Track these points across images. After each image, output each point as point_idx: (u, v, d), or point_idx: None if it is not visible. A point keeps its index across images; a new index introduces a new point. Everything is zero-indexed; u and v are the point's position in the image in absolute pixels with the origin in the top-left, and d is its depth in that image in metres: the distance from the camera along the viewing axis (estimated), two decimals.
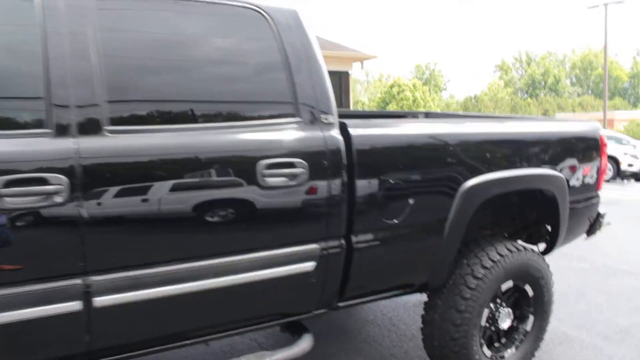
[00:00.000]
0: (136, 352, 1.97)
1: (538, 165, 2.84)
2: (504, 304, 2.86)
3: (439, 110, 43.94)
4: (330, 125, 2.24)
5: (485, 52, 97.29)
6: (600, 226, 3.39)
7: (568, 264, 5.31)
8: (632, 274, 5.01)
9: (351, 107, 15.21)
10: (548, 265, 2.98)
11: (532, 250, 2.89)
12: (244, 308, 2.16)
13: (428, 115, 4.52)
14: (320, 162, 2.17)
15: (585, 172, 3.14)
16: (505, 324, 2.87)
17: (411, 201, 2.39)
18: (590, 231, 3.41)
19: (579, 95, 57.39)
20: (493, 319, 2.83)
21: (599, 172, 3.24)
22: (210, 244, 2.00)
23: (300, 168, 2.11)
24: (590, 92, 57.27)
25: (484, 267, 2.70)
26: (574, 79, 61.32)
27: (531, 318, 2.97)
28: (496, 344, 2.92)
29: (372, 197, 2.30)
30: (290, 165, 2.10)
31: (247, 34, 2.20)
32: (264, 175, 2.05)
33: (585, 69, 59.38)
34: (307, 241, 2.17)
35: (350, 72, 14.75)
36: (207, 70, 2.11)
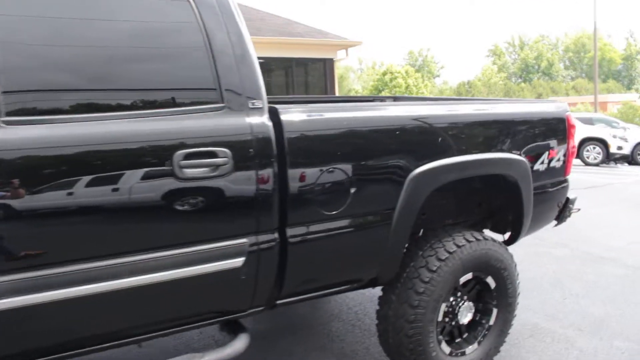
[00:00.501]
0: (50, 357, 1.80)
1: (498, 149, 2.66)
2: (463, 298, 2.70)
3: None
4: (258, 110, 2.05)
5: (479, 37, 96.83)
6: (570, 212, 3.22)
7: (547, 251, 5.17)
8: (612, 261, 4.85)
9: (337, 95, 15.00)
10: (511, 255, 2.81)
11: (493, 240, 2.72)
12: (169, 307, 1.98)
13: (396, 99, 4.33)
14: (246, 150, 1.98)
15: (551, 156, 2.95)
16: (465, 318, 2.71)
17: (352, 190, 2.21)
18: (559, 218, 3.24)
19: (572, 78, 57.13)
20: (452, 314, 2.66)
21: (567, 155, 3.06)
22: (123, 241, 1.82)
23: (223, 158, 1.93)
24: (584, 75, 56.99)
25: (439, 259, 2.52)
26: (567, 63, 61.05)
27: (494, 311, 2.81)
28: (457, 340, 2.75)
29: (307, 187, 2.11)
30: (212, 154, 1.91)
31: (164, 14, 1.99)
32: (182, 167, 1.86)
33: (579, 51, 59.08)
34: (233, 236, 1.99)
35: (335, 59, 14.49)
36: (116, 54, 1.91)
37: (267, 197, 2.03)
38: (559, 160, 3.01)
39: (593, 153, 14.17)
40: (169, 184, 1.86)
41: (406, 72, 44.78)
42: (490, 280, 2.74)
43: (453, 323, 2.68)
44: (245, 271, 2.02)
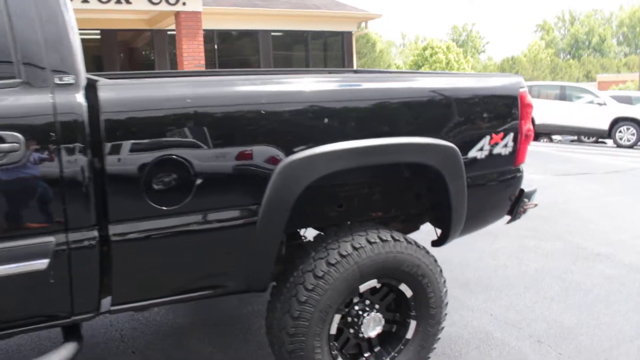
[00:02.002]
0: None
1: (409, 133, 2.19)
2: (369, 308, 2.28)
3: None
4: (68, 87, 1.68)
5: (527, 12, 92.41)
6: (524, 208, 2.72)
7: (536, 245, 4.62)
8: (607, 259, 4.27)
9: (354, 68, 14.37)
10: (434, 260, 2.35)
11: (408, 242, 2.27)
12: None
13: (357, 72, 3.85)
14: (45, 134, 1.62)
15: (494, 141, 2.45)
16: (372, 331, 2.29)
17: (197, 182, 1.82)
18: (512, 214, 2.74)
19: (625, 55, 53.76)
20: (353, 326, 2.25)
21: (519, 140, 2.54)
22: None
23: (12, 143, 1.58)
24: (639, 51, 53.53)
25: (329, 264, 2.11)
26: (621, 38, 57.42)
27: (412, 323, 2.37)
28: (366, 354, 2.35)
29: (133, 178, 1.74)
30: None
31: None
32: None
33: (634, 26, 55.38)
34: (32, 235, 1.64)
35: (353, 32, 13.86)
36: None
37: (76, 189, 1.67)
38: (505, 146, 2.50)
39: (627, 134, 13.07)
40: None
41: (447, 47, 43.27)
42: (405, 289, 2.31)
43: (355, 336, 2.27)
44: (53, 274, 1.67)
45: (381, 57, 57.10)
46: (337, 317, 2.18)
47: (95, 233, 1.72)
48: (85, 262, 1.72)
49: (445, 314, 2.45)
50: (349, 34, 13.65)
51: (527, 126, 2.58)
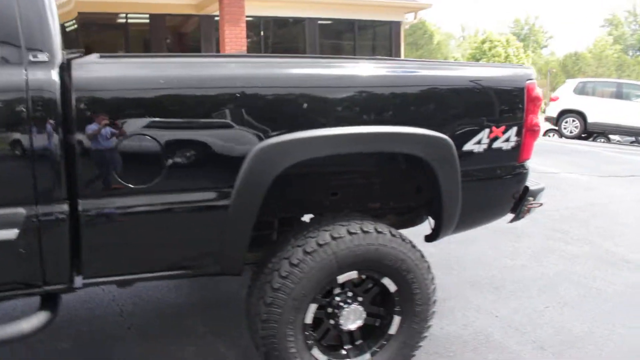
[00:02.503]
0: None
1: (403, 122, 2.11)
2: (350, 300, 2.23)
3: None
4: (41, 65, 1.72)
5: (594, 5, 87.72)
6: (528, 207, 2.58)
7: (561, 247, 4.40)
8: (636, 267, 4.01)
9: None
10: (420, 256, 2.27)
11: (393, 235, 2.19)
12: None
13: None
14: (16, 110, 1.68)
15: (494, 135, 2.33)
16: (352, 324, 2.24)
17: (168, 163, 1.82)
18: (516, 212, 2.60)
19: None
20: (332, 317, 2.22)
21: (524, 135, 2.41)
22: None
23: None
24: None
25: (305, 252, 2.08)
26: None
27: (396, 319, 2.31)
28: (346, 347, 2.31)
29: (103, 156, 1.77)
30: None
31: None
32: None
33: None
34: (2, 205, 1.70)
35: (402, 21, 13.60)
36: None
37: (47, 163, 1.71)
38: (507, 140, 2.38)
39: None
40: None
41: (507, 40, 41.86)
42: (388, 283, 2.24)
43: (335, 328, 2.24)
44: (23, 244, 1.73)
45: (439, 49, 55.85)
46: (313, 307, 2.15)
47: (65, 207, 1.77)
48: (55, 235, 1.77)
49: (433, 312, 2.37)
50: (397, 23, 13.40)
51: (534, 121, 2.44)
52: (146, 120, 1.79)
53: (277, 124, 1.93)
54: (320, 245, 2.08)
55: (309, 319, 2.15)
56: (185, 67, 1.92)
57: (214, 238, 1.96)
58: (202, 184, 1.91)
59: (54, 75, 1.72)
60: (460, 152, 2.25)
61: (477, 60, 41.21)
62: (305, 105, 1.98)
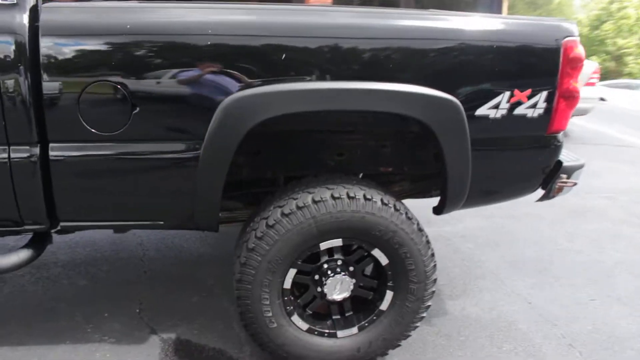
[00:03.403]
0: None
1: (401, 79, 1.88)
2: (338, 269, 2.09)
3: None
4: (9, 7, 1.72)
5: None
6: (559, 186, 2.23)
7: (633, 235, 3.87)
8: None
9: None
10: (417, 230, 2.05)
11: (383, 204, 2.00)
12: None
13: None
14: None
15: (516, 99, 2.01)
16: (338, 294, 2.11)
17: (135, 111, 1.77)
18: (546, 188, 2.27)
19: None
20: (318, 285, 2.10)
21: (556, 101, 2.06)
22: None
23: None
24: None
25: (283, 214, 1.96)
26: None
27: (388, 294, 2.14)
28: (335, 317, 2.19)
29: (69, 101, 1.75)
30: None
31: None
32: None
33: None
34: None
35: None
36: None
37: (14, 107, 1.73)
38: (534, 107, 2.04)
39: None
40: None
41: None
42: (378, 255, 2.07)
43: (320, 297, 2.13)
44: None
45: (559, 9, 51.14)
46: (291, 272, 2.04)
47: (36, 150, 1.79)
48: (27, 176, 1.80)
49: (433, 291, 2.16)
50: None
51: (572, 86, 2.07)
52: (110, 65, 1.74)
53: (249, 75, 1.79)
54: (299, 207, 1.95)
55: (287, 284, 2.05)
56: (150, 12, 1.82)
57: (185, 191, 1.90)
58: (171, 135, 1.84)
59: (23, 18, 1.71)
60: (472, 117, 1.98)
61: (602, 22, 37.21)
62: (283, 56, 1.81)
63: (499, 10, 12.06)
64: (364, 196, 1.98)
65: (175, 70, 1.78)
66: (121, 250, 3.21)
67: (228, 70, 1.79)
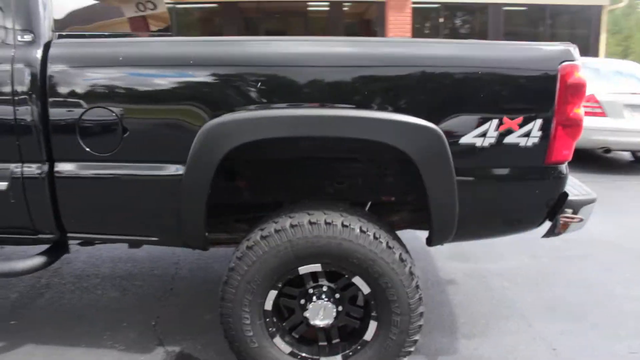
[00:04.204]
0: None
1: (368, 106, 1.90)
2: (322, 295, 2.10)
3: None
4: (27, 44, 2.00)
5: None
6: (564, 221, 2.07)
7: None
8: None
9: (602, 53, 11.95)
10: (400, 259, 2.00)
11: (362, 232, 1.98)
12: None
13: None
14: (5, 82, 1.98)
15: (505, 127, 1.93)
16: (321, 320, 2.11)
17: (126, 134, 1.95)
18: (551, 226, 2.12)
19: None
20: (302, 309, 2.11)
21: (553, 129, 1.94)
22: None
23: None
24: None
25: (262, 236, 2.02)
26: None
27: (372, 325, 2.10)
28: (321, 344, 2.18)
29: (69, 125, 1.98)
30: None
31: None
32: None
33: None
34: None
35: (604, 6, 11.75)
36: None
37: (27, 129, 1.99)
38: (527, 135, 1.95)
39: None
40: None
41: None
42: (360, 283, 2.05)
43: (292, 320, 2.15)
44: (12, 195, 2.04)
45: None
46: (272, 294, 2.08)
47: (45, 167, 2.03)
48: (37, 190, 2.04)
49: (419, 325, 2.09)
50: (598, 8, 11.60)
51: (572, 113, 1.95)
52: (104, 94, 1.95)
53: (226, 103, 1.92)
54: (276, 231, 2.00)
55: (268, 305, 2.09)
56: (139, 45, 2.02)
57: (171, 211, 2.03)
58: (158, 157, 1.99)
59: (37, 53, 1.98)
60: (455, 145, 1.93)
61: None
62: (259, 85, 1.91)
63: (597, 44, 11.29)
64: (342, 223, 1.99)
65: (162, 99, 1.95)
66: (156, 268, 3.43)
67: (205, 100, 1.93)
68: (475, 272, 3.44)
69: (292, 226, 1.99)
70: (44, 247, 2.29)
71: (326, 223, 1.98)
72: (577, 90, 1.94)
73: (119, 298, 3.01)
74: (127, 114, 1.95)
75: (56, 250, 2.29)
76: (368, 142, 1.96)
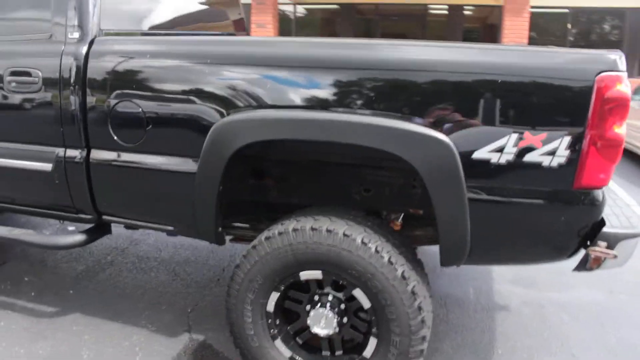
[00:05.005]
0: None
1: (388, 113, 1.82)
2: (319, 301, 2.06)
3: None
4: (75, 41, 2.20)
5: None
6: (596, 256, 1.80)
7: None
8: None
9: None
10: (402, 277, 1.89)
11: (363, 243, 1.89)
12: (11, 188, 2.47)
13: None
14: (53, 74, 2.20)
15: (526, 143, 1.73)
16: (322, 329, 2.06)
17: (149, 127, 2.08)
18: (584, 258, 1.86)
19: None
20: (304, 315, 2.09)
21: (585, 149, 1.71)
22: None
23: (34, 77, 2.23)
24: None
25: (266, 237, 2.02)
26: None
27: (372, 341, 2.02)
28: (324, 353, 2.14)
29: (102, 115, 2.16)
30: (26, 73, 2.24)
31: None
32: (9, 81, 2.28)
33: None
34: (43, 143, 2.28)
35: None
36: None
37: (69, 116, 2.19)
38: (552, 154, 1.73)
39: None
40: (3, 92, 2.31)
41: None
42: (360, 296, 1.98)
43: (295, 325, 2.13)
44: (56, 176, 2.27)
45: None
46: (274, 295, 2.07)
47: (84, 153, 2.23)
48: (77, 173, 2.25)
49: (421, 350, 1.96)
50: None
51: (610, 132, 1.70)
52: (132, 88, 2.10)
53: (237, 103, 1.96)
54: (279, 233, 2.00)
55: (270, 306, 2.09)
56: (167, 43, 2.12)
57: (187, 203, 2.11)
58: (177, 150, 2.09)
59: (82, 49, 2.18)
60: (468, 160, 1.78)
61: None
62: (267, 86, 1.92)
63: None
64: (343, 232, 1.92)
65: (181, 96, 2.04)
66: (212, 258, 3.58)
67: (219, 99, 2.00)
68: (534, 301, 3.13)
69: (294, 230, 1.98)
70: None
71: (327, 230, 1.93)
72: (617, 104, 1.68)
73: (168, 282, 3.20)
74: (150, 108, 2.07)
75: (97, 231, 2.50)
76: (377, 150, 1.88)
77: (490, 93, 1.75)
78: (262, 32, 10.10)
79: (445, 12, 12.58)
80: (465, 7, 12.18)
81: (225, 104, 1.97)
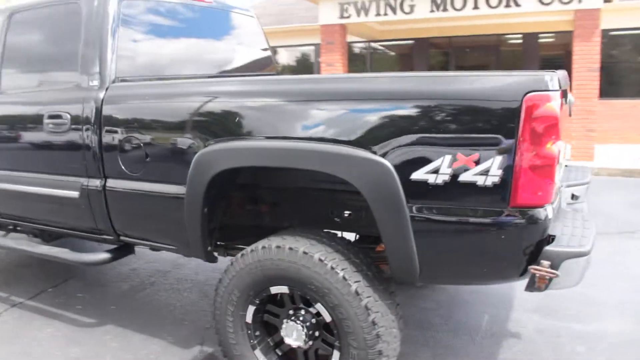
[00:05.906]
0: None
1: (321, 139, 2.00)
2: (289, 315, 2.22)
3: None
4: (94, 88, 2.62)
5: None
6: (540, 274, 1.80)
7: None
8: None
9: None
10: (355, 292, 2.00)
11: (320, 260, 2.04)
12: (40, 211, 2.96)
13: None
14: (78, 116, 2.65)
15: (460, 163, 1.81)
16: (294, 341, 2.22)
17: (147, 159, 2.43)
18: (528, 277, 1.86)
19: None
20: (279, 326, 2.26)
21: (516, 168, 1.75)
22: (22, 162, 2.97)
23: (64, 119, 2.69)
24: None
25: (242, 254, 2.24)
26: None
27: (335, 354, 2.14)
28: None
29: (113, 149, 2.54)
30: (59, 116, 2.70)
31: (62, 24, 2.84)
32: (47, 123, 2.77)
33: None
34: (72, 174, 2.72)
35: None
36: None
37: (89, 150, 2.61)
38: (485, 174, 1.79)
39: None
40: (41, 132, 2.80)
41: None
42: (321, 310, 2.12)
43: (275, 337, 2.30)
44: (82, 202, 2.68)
45: None
46: (251, 308, 2.27)
47: (102, 182, 2.61)
48: (97, 200, 2.64)
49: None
50: None
51: (539, 150, 1.74)
52: (133, 126, 2.47)
53: (213, 133, 2.26)
54: (251, 250, 2.21)
55: (249, 318, 2.29)
56: (158, 87, 2.47)
57: (179, 225, 2.40)
58: (170, 178, 2.40)
59: (100, 94, 2.59)
60: (408, 182, 1.89)
61: None
62: (235, 119, 2.19)
63: None
64: (303, 250, 2.09)
65: (170, 130, 2.38)
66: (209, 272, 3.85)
67: (199, 131, 2.29)
68: (551, 330, 3.02)
69: (262, 248, 2.18)
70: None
71: (289, 248, 2.11)
72: (544, 123, 1.72)
73: (196, 301, 3.50)
74: (147, 143, 2.43)
75: (120, 250, 2.86)
76: (328, 174, 2.05)
77: (425, 117, 1.86)
78: (331, 70, 10.53)
79: (520, 40, 12.27)
80: (540, 34, 11.79)
81: (205, 136, 2.26)
